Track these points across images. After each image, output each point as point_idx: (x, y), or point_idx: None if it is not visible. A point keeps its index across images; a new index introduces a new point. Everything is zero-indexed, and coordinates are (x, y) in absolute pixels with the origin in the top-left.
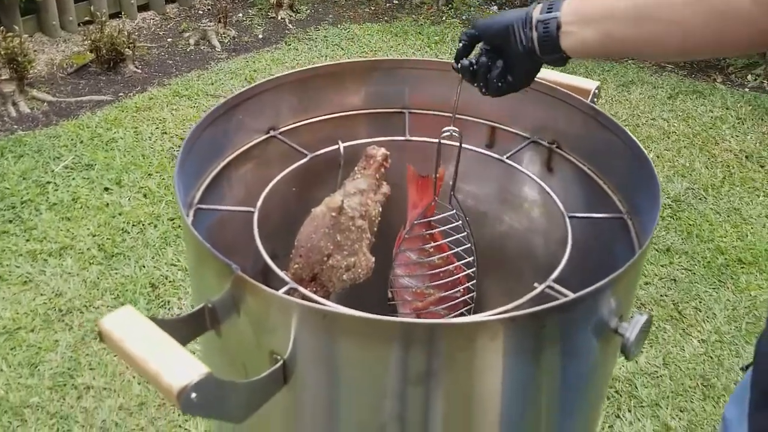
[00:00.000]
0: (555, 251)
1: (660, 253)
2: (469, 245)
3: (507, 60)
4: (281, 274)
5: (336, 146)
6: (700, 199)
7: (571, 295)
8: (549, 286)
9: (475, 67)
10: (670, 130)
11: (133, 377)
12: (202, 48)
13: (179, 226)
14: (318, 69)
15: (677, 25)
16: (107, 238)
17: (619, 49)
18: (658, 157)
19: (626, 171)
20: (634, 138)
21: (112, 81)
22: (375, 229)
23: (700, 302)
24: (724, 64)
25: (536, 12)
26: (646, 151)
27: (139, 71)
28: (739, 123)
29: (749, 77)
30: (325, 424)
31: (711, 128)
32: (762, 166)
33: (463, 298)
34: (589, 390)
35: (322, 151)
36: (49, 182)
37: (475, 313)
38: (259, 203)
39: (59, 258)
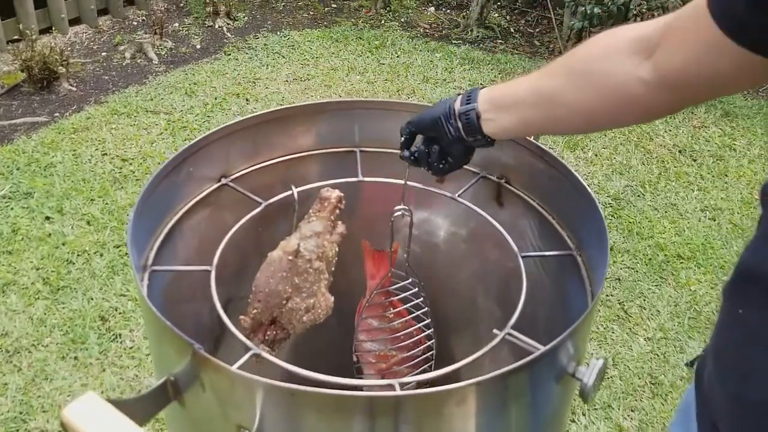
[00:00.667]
0: (508, 286)
1: None
2: (426, 308)
3: (443, 146)
4: (243, 338)
5: (290, 192)
6: (638, 196)
7: (536, 352)
8: (508, 333)
9: (416, 156)
10: None
11: None
12: (138, 61)
13: (126, 254)
14: (267, 115)
15: (577, 108)
16: (52, 271)
17: (538, 129)
18: (596, 155)
19: (572, 208)
20: (578, 176)
21: (47, 101)
22: (332, 268)
23: (644, 300)
24: None
25: (457, 104)
26: (590, 190)
27: (75, 89)
28: (671, 118)
29: None
30: None
31: (645, 124)
32: (695, 160)
33: (424, 356)
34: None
35: (275, 198)
36: None
37: (436, 367)
38: (216, 260)
39: (2, 295)
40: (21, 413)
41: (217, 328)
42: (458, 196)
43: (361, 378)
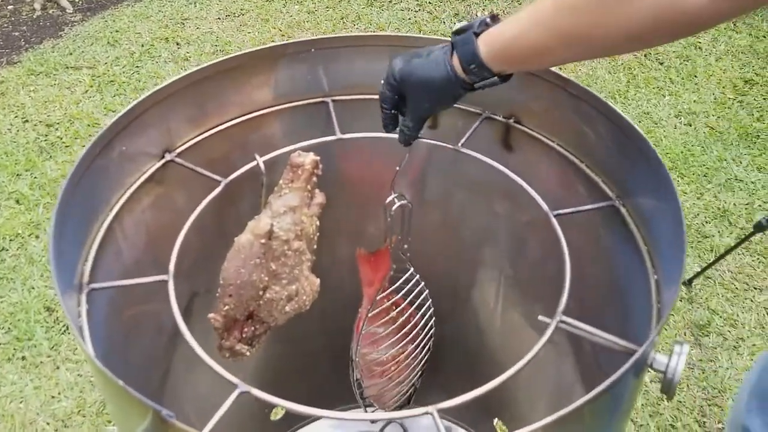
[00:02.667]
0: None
1: None
2: (426, 292)
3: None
4: (224, 373)
5: (254, 162)
6: None
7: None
8: (561, 321)
9: (409, 131)
10: None
11: (48, 424)
12: (51, 12)
13: None
14: (211, 68)
15: (618, 39)
16: None
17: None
18: (559, 69)
19: (608, 147)
20: (614, 106)
21: None
22: (314, 246)
23: None
24: None
25: (457, 67)
26: (633, 122)
27: None
28: None
29: None
30: None
31: None
32: (661, 63)
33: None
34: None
35: (237, 173)
36: None
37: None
38: (172, 266)
39: None
40: None
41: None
42: (461, 145)
43: (376, 409)
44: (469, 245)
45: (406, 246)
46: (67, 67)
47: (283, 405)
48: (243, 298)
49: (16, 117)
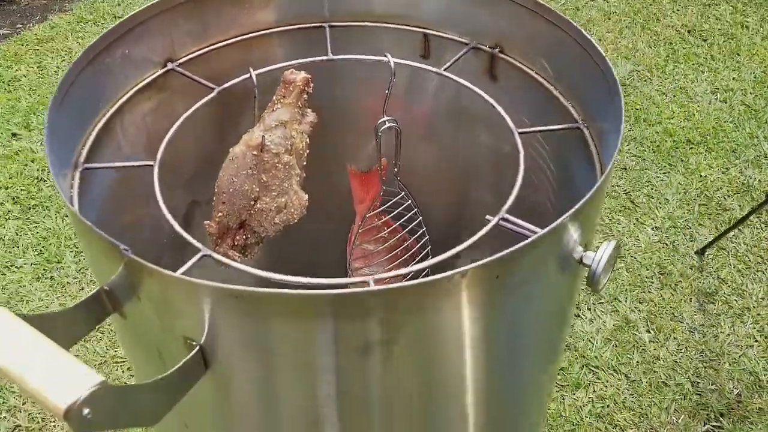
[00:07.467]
0: (504, 172)
1: None
2: (420, 218)
3: None
4: (190, 239)
5: (247, 75)
6: (645, 81)
7: (530, 237)
8: (503, 219)
9: None
10: (611, 10)
11: None
12: None
13: None
14: None
15: None
16: (22, 189)
17: None
18: (600, 40)
19: (578, 72)
20: (586, 33)
21: (8, 12)
22: (304, 163)
23: (652, 188)
24: None
25: None
26: (599, 46)
27: None
28: None
29: None
30: (257, 412)
31: (651, 4)
32: (705, 40)
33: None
34: (555, 326)
35: (231, 82)
36: None
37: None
38: (159, 154)
39: None
40: None
41: (181, 238)
42: (444, 69)
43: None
44: (456, 176)
45: (396, 169)
46: (115, 17)
47: (243, 269)
48: (235, 206)
49: (63, 60)
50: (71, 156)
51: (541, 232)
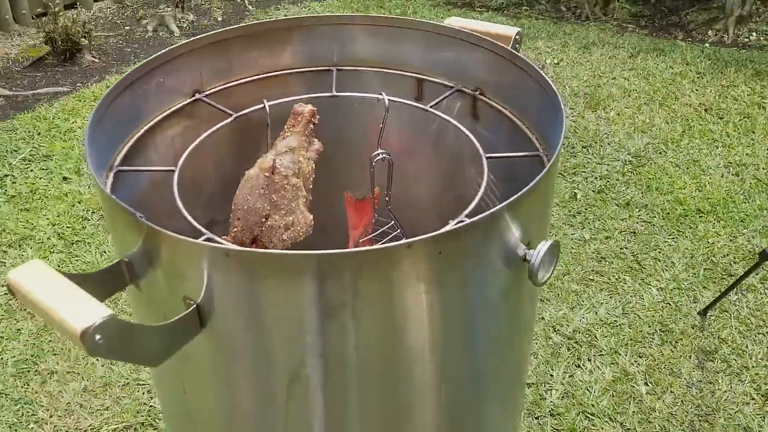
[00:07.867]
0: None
1: (620, 207)
2: None
3: None
4: (197, 225)
5: (261, 105)
6: (659, 153)
7: (467, 221)
8: (461, 221)
9: None
10: (631, 88)
11: (97, 360)
12: (160, 34)
13: None
14: (237, 30)
15: None
16: (67, 227)
17: None
18: (618, 114)
19: (539, 108)
20: (544, 75)
21: (69, 72)
22: (310, 186)
23: (659, 252)
24: (685, 21)
25: None
26: (554, 86)
27: (97, 61)
28: (698, 77)
29: (710, 32)
30: (247, 365)
31: (671, 84)
32: (721, 118)
33: None
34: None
35: (246, 111)
36: (6, 175)
37: None
38: (181, 162)
39: (19, 249)
40: (32, 356)
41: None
42: (430, 107)
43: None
44: (440, 202)
45: (387, 198)
46: None
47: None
48: (249, 222)
49: None
50: (108, 160)
51: (476, 217)
